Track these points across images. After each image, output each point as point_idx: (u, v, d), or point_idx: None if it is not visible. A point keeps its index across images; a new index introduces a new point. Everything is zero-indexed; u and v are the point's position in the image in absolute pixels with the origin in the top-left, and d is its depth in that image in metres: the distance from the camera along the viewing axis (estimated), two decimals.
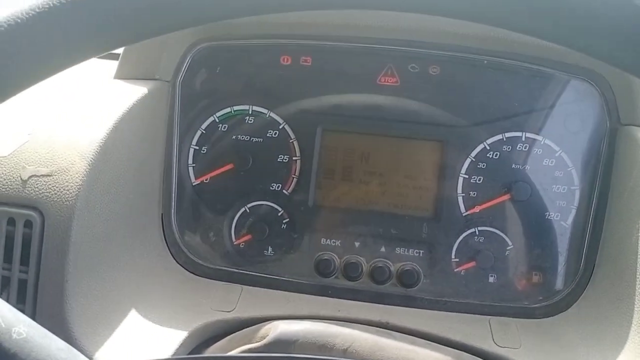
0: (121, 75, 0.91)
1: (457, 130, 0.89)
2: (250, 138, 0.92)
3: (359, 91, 0.92)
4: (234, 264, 0.92)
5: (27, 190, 0.73)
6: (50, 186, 0.72)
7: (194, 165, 0.93)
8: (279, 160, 0.92)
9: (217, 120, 0.93)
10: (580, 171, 0.88)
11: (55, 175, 0.73)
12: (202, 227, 0.93)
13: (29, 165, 0.74)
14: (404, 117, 0.90)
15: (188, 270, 0.91)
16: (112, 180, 0.77)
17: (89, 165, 0.73)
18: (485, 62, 0.89)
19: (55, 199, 0.72)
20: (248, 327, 0.77)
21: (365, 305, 0.86)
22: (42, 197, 0.72)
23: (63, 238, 0.71)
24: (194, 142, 0.93)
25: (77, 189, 0.72)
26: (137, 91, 0.84)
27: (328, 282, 0.90)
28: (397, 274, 0.89)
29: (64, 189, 0.72)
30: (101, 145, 0.75)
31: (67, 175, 0.72)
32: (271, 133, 0.92)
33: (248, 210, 0.92)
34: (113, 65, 0.93)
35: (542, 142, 0.88)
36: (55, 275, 0.71)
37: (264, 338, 0.72)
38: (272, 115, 0.92)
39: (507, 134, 0.89)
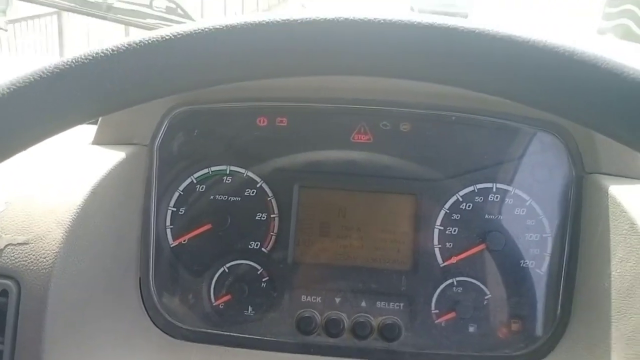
0: (99, 140, 0.92)
1: (430, 184, 0.92)
2: (228, 197, 0.93)
3: (334, 149, 0.94)
4: (213, 325, 0.91)
5: (3, 259, 0.72)
6: (26, 254, 0.72)
7: (171, 227, 0.94)
8: (257, 218, 0.93)
9: (195, 181, 0.94)
10: (550, 219, 0.91)
11: (32, 243, 0.72)
12: (180, 289, 0.93)
13: (5, 234, 0.74)
14: (378, 173, 0.93)
15: (167, 334, 0.90)
16: (89, 246, 0.77)
17: (66, 232, 0.73)
18: (454, 118, 0.93)
19: (32, 267, 0.71)
20: None
21: None
22: (19, 265, 0.71)
23: (39, 307, 0.70)
24: (172, 203, 0.94)
25: (54, 256, 0.71)
26: (115, 156, 0.85)
27: (310, 340, 0.89)
28: (378, 328, 0.89)
29: (41, 257, 0.72)
30: (78, 211, 0.75)
31: (44, 243, 0.72)
32: (249, 192, 0.94)
33: (227, 270, 0.92)
34: (91, 129, 0.94)
35: (512, 192, 0.91)
36: (32, 345, 0.69)
37: None
38: (249, 174, 0.94)
39: (479, 186, 0.91)
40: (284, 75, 0.50)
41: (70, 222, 0.74)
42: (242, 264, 0.92)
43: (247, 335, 0.90)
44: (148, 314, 0.90)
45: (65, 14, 6.48)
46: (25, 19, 6.12)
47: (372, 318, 0.89)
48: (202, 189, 0.94)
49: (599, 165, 0.89)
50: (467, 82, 0.46)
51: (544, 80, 0.44)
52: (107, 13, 1.45)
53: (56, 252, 0.72)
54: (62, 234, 0.73)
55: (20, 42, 6.04)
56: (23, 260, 0.72)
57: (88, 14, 1.57)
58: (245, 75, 0.49)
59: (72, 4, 1.57)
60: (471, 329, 0.90)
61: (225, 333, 0.90)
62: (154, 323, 0.90)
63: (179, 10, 1.45)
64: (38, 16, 6.28)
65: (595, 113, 0.44)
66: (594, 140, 0.89)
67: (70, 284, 0.74)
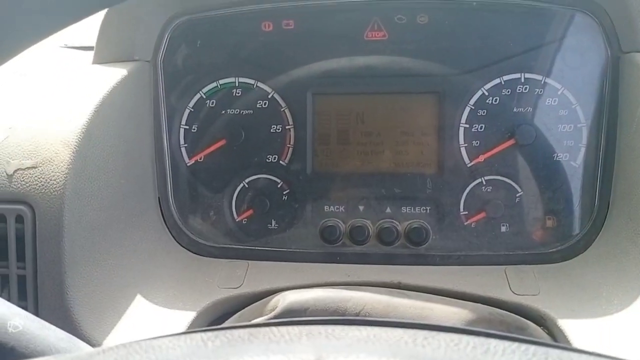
0: (99, 59, 0.88)
1: (453, 79, 0.86)
2: (240, 111, 0.90)
3: (346, 50, 0.88)
4: (238, 240, 0.90)
5: (14, 184, 0.71)
6: (36, 178, 0.70)
7: (185, 145, 0.91)
8: (272, 130, 0.89)
9: (204, 97, 0.90)
10: (585, 107, 0.84)
11: (41, 167, 0.70)
12: (201, 206, 0.91)
13: (12, 160, 0.72)
14: (396, 72, 0.87)
15: (191, 251, 0.89)
16: (99, 166, 0.75)
17: (74, 153, 0.71)
18: (475, 4, 0.85)
19: (43, 190, 0.70)
20: (257, 301, 0.75)
21: (375, 267, 0.83)
22: (30, 190, 0.70)
23: (56, 229, 0.69)
24: (183, 121, 0.91)
25: (64, 178, 0.69)
26: (116, 74, 0.81)
27: (335, 248, 0.87)
28: (405, 233, 0.86)
29: (51, 180, 0.70)
30: (84, 131, 0.72)
31: (53, 165, 0.70)
32: (261, 103, 0.89)
33: (247, 185, 0.90)
34: (88, 56, 0.90)
35: (542, 82, 0.85)
36: (53, 268, 0.69)
37: (274, 310, 0.70)
38: (260, 85, 0.89)
39: (505, 77, 0.85)
40: None
41: (76, 142, 0.71)
42: (261, 178, 0.89)
43: (272, 248, 0.88)
44: (171, 233, 0.89)
45: None
46: None
47: (397, 223, 0.86)
48: (212, 104, 0.90)
49: (638, 42, 0.81)
50: None
51: None
52: None
53: (66, 173, 0.70)
54: (69, 155, 0.70)
55: None
56: (34, 184, 0.70)
57: None
58: None
59: None
60: (503, 229, 0.86)
61: (250, 247, 0.89)
62: (177, 242, 0.89)
63: None
64: None
65: None
66: (631, 16, 0.81)
67: (85, 205, 0.72)
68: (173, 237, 0.89)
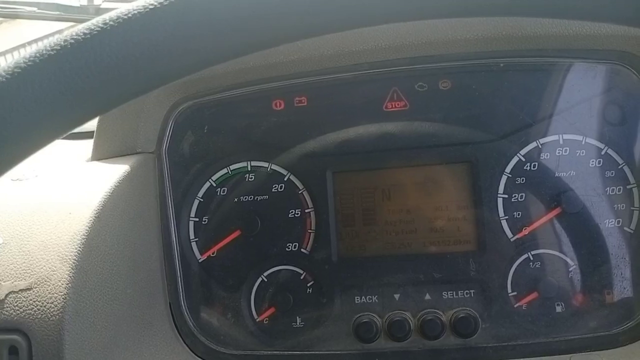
0: (98, 155, 0.81)
1: (485, 147, 0.78)
2: (254, 197, 0.82)
3: (365, 123, 0.81)
4: (260, 344, 0.80)
5: (7, 310, 0.62)
6: (32, 302, 0.62)
7: (196, 239, 0.82)
8: (290, 215, 0.81)
9: (215, 185, 0.82)
10: (633, 166, 0.77)
11: (36, 288, 0.62)
12: (217, 308, 0.82)
13: (4, 281, 0.63)
14: (421, 143, 0.80)
15: None
16: (103, 279, 0.66)
17: (73, 269, 0.62)
18: (502, 65, 0.78)
19: (40, 315, 0.61)
20: None
21: None
22: (25, 316, 0.61)
23: None
24: (193, 213, 0.82)
25: (62, 299, 0.61)
26: (118, 170, 0.74)
27: (372, 347, 0.77)
28: (450, 323, 0.76)
29: (48, 303, 0.61)
30: (84, 241, 0.64)
31: (49, 286, 0.62)
32: (276, 187, 0.81)
33: (266, 280, 0.81)
34: (86, 145, 0.83)
35: (583, 142, 0.77)
36: None
37: None
38: (274, 167, 0.82)
39: (542, 140, 0.78)
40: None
41: (75, 255, 0.63)
42: (281, 269, 0.81)
43: (299, 352, 0.78)
44: (185, 342, 0.79)
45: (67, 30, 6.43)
46: (29, 42, 6.08)
47: (441, 313, 0.77)
48: (223, 192, 0.82)
49: None
50: None
51: None
52: (96, 16, 1.34)
53: (64, 294, 0.61)
54: (68, 272, 0.62)
55: None
56: (29, 309, 0.61)
57: (80, 21, 1.47)
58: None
59: (58, 13, 1.46)
60: (558, 309, 0.76)
61: (275, 352, 0.79)
62: (192, 351, 0.79)
63: None
64: (41, 38, 6.24)
65: None
66: None
67: (88, 327, 0.63)
68: (187, 346, 0.79)
